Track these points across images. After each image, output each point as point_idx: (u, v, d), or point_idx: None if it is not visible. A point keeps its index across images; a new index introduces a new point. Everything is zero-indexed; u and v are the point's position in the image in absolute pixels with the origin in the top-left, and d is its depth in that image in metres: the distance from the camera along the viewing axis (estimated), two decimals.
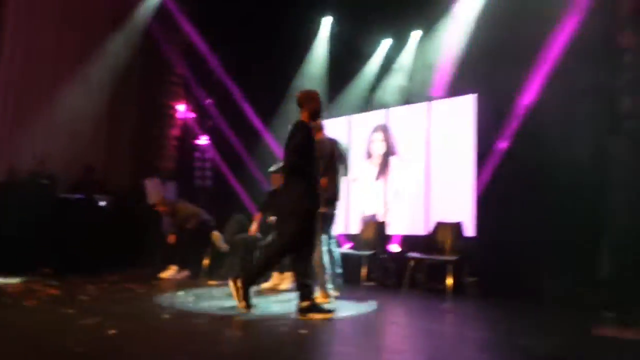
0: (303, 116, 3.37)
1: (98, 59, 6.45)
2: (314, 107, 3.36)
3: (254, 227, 4.95)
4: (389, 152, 5.89)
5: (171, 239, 5.46)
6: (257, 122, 6.98)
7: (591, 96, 4.05)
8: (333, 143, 3.97)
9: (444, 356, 2.50)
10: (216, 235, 5.45)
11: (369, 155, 6.09)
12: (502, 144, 4.71)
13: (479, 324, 3.46)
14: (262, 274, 3.45)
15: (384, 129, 5.97)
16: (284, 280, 4.55)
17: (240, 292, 3.10)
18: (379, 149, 6.00)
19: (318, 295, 3.74)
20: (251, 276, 3.19)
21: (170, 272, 5.43)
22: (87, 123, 6.34)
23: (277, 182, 4.49)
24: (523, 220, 4.40)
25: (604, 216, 3.68)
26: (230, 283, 3.16)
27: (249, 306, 3.12)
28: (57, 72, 6.20)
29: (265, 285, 4.55)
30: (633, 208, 3.57)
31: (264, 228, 4.91)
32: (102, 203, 6.11)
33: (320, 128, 3.91)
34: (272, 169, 4.72)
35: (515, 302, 4.11)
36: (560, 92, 4.24)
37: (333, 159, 3.88)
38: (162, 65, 7.07)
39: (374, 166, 6.02)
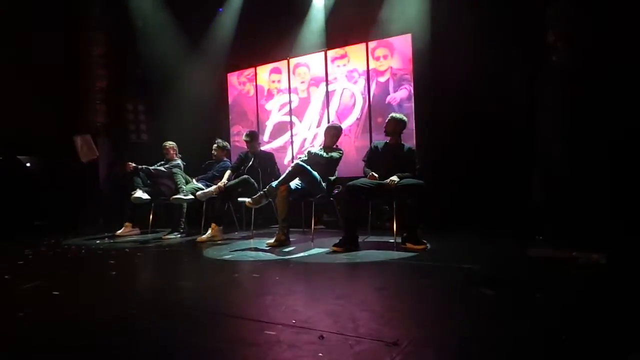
0: None
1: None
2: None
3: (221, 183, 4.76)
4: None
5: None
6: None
7: (520, 31, 4.13)
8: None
9: (390, 282, 2.60)
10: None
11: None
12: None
13: (424, 254, 3.60)
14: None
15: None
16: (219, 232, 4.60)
17: (414, 237, 3.67)
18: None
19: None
20: (416, 221, 3.75)
21: (125, 230, 5.26)
22: None
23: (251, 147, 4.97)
24: (458, 154, 4.55)
25: (536, 145, 3.83)
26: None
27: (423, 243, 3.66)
28: None
29: (201, 237, 4.53)
30: (562, 136, 3.73)
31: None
32: (27, 164, 5.62)
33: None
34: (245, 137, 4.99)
35: (454, 232, 4.37)
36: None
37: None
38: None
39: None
